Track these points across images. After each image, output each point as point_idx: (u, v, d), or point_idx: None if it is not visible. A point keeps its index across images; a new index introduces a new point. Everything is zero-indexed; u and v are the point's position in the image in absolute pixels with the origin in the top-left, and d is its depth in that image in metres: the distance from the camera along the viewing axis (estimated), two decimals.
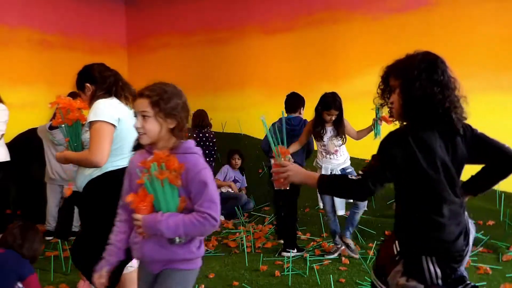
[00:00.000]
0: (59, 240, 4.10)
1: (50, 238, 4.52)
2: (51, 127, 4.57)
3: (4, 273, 2.42)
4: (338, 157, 3.84)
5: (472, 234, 1.68)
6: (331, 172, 3.75)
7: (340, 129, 3.78)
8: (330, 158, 3.83)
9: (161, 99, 1.68)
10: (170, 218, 1.62)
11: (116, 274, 2.16)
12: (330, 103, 3.72)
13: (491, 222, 4.30)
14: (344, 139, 3.82)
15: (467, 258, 1.65)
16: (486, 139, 1.69)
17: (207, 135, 5.35)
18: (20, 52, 5.57)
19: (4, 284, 2.39)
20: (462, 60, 4.80)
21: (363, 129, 3.95)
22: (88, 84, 2.37)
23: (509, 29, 4.61)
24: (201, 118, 5.43)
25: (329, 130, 3.81)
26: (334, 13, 5.55)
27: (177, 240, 1.66)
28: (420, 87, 1.55)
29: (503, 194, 4.49)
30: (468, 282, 1.61)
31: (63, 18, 6.12)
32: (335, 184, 1.71)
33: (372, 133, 3.91)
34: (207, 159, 5.33)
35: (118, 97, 2.34)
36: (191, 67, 6.64)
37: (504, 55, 4.63)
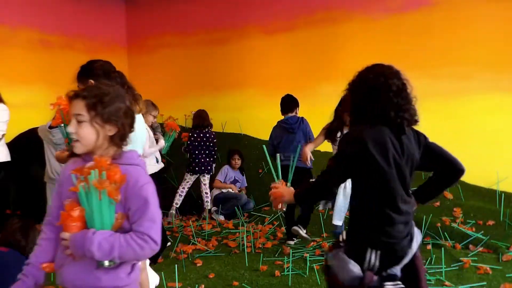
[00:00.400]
0: None
1: None
2: (51, 127, 4.57)
3: (8, 272, 2.42)
4: None
5: (417, 240, 1.78)
6: None
7: None
8: None
9: (100, 101, 1.48)
10: (104, 237, 1.39)
11: None
12: None
13: (491, 222, 4.30)
14: None
15: (406, 260, 1.74)
16: (437, 149, 1.84)
17: (207, 135, 5.35)
18: (20, 52, 5.57)
19: (8, 283, 2.39)
20: (462, 60, 4.81)
21: None
22: (92, 81, 2.26)
23: (509, 29, 4.62)
24: (201, 119, 5.44)
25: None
26: (334, 13, 5.55)
27: (106, 263, 1.42)
28: (363, 92, 1.75)
29: (503, 194, 4.49)
30: (399, 282, 1.68)
31: (63, 18, 6.13)
32: (302, 191, 1.85)
33: None
34: (208, 159, 5.35)
35: None
36: (191, 67, 6.65)
37: (504, 55, 4.63)
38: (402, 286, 1.67)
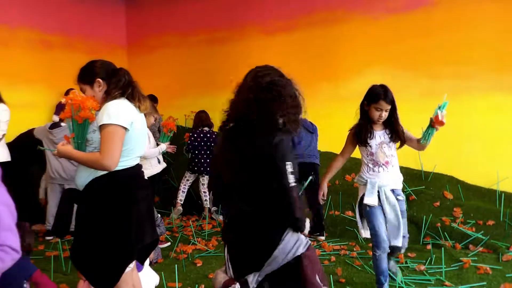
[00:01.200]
0: (59, 240, 4.10)
1: (50, 238, 4.51)
2: (51, 127, 4.58)
3: (12, 275, 2.42)
4: (389, 169, 2.92)
5: (292, 250, 1.67)
6: (378, 191, 2.87)
7: (395, 131, 2.90)
8: (379, 171, 2.90)
9: None
10: None
11: (117, 274, 2.15)
12: (379, 94, 2.82)
13: (491, 222, 4.29)
14: (397, 141, 2.95)
15: (273, 267, 1.66)
16: (273, 167, 1.67)
17: (208, 135, 5.35)
18: (20, 52, 5.57)
19: (14, 286, 2.39)
20: (462, 60, 4.81)
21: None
22: (100, 80, 2.24)
23: (509, 29, 4.61)
24: (202, 119, 5.44)
25: (379, 134, 2.92)
26: (334, 13, 5.55)
27: None
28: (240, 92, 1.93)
29: (503, 194, 4.48)
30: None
31: (63, 18, 6.12)
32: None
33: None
34: (208, 160, 5.34)
35: (132, 98, 2.22)
36: (191, 67, 6.64)
37: (504, 55, 4.62)
38: None
